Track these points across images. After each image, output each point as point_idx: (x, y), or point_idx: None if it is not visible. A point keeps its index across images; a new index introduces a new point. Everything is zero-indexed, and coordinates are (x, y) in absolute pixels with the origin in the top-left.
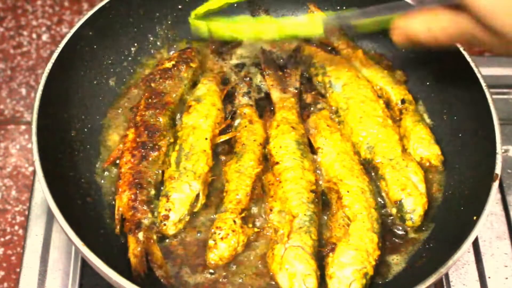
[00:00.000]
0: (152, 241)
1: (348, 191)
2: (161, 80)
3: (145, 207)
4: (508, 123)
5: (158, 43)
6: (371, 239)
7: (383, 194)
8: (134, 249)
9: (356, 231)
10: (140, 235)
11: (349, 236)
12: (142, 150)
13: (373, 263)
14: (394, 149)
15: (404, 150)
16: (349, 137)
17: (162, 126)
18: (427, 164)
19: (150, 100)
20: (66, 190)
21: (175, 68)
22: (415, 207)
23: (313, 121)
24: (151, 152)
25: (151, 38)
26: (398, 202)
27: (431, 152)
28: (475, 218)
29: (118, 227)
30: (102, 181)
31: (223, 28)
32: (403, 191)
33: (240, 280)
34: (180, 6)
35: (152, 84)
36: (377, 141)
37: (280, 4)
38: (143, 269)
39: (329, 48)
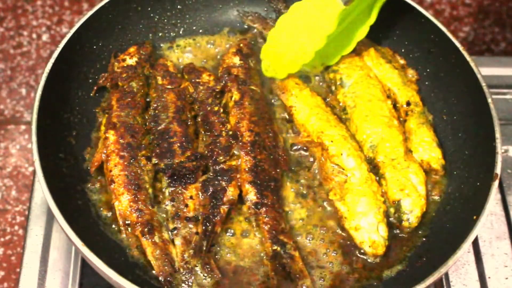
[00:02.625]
0: (168, 243)
1: (331, 141)
2: (128, 79)
3: (149, 207)
4: (508, 123)
5: (159, 43)
6: (370, 178)
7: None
8: (153, 252)
9: (354, 178)
10: (156, 238)
11: (350, 185)
12: (130, 151)
13: (382, 199)
14: (397, 149)
15: (407, 151)
16: (355, 133)
17: (141, 125)
18: (428, 167)
19: (121, 101)
20: (66, 190)
21: (139, 66)
22: (412, 208)
23: (280, 83)
24: (138, 151)
25: (151, 37)
26: (396, 202)
27: (431, 155)
28: (475, 217)
29: (124, 231)
30: (102, 181)
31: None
32: (402, 191)
33: None
34: (179, 6)
35: (119, 83)
36: (380, 141)
37: None
38: (169, 271)
39: None
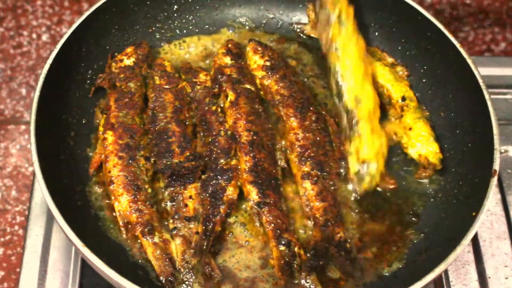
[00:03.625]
0: (168, 243)
1: None
2: (125, 80)
3: (149, 207)
4: (508, 123)
5: (156, 43)
6: None
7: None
8: (153, 252)
9: None
10: (156, 238)
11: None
12: (129, 151)
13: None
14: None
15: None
16: None
17: (139, 125)
18: (426, 161)
19: (119, 101)
20: (66, 191)
21: (137, 66)
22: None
23: None
24: (137, 152)
25: (148, 38)
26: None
27: (429, 150)
28: (474, 214)
29: (124, 232)
30: (102, 182)
31: None
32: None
33: None
34: (176, 7)
35: (117, 84)
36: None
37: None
38: (170, 271)
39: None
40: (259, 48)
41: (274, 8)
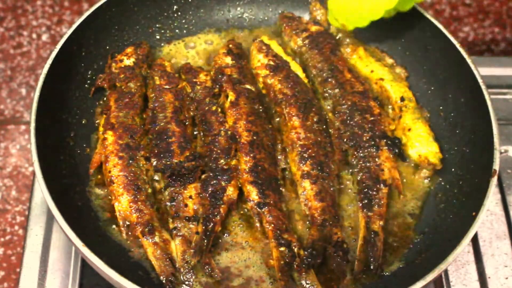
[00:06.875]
0: (169, 243)
1: None
2: (125, 80)
3: (149, 207)
4: (508, 123)
5: (156, 43)
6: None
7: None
8: (153, 252)
9: None
10: (157, 238)
11: None
12: (129, 151)
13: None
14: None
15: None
16: None
17: (139, 125)
18: (425, 161)
19: (119, 101)
20: (66, 191)
21: (136, 66)
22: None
23: None
24: (137, 152)
25: (148, 39)
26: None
27: (429, 150)
28: (474, 214)
29: (124, 232)
30: (102, 182)
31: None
32: None
33: None
34: (176, 7)
35: (117, 84)
36: None
37: None
38: (170, 271)
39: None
40: (264, 47)
41: (273, 6)
